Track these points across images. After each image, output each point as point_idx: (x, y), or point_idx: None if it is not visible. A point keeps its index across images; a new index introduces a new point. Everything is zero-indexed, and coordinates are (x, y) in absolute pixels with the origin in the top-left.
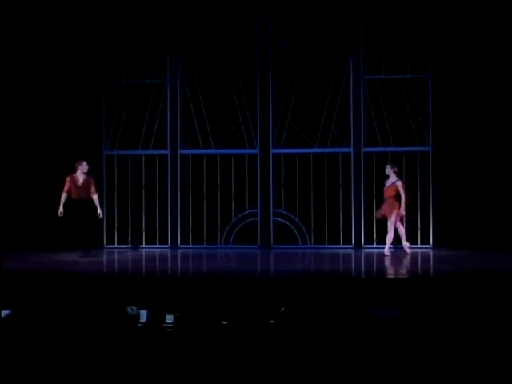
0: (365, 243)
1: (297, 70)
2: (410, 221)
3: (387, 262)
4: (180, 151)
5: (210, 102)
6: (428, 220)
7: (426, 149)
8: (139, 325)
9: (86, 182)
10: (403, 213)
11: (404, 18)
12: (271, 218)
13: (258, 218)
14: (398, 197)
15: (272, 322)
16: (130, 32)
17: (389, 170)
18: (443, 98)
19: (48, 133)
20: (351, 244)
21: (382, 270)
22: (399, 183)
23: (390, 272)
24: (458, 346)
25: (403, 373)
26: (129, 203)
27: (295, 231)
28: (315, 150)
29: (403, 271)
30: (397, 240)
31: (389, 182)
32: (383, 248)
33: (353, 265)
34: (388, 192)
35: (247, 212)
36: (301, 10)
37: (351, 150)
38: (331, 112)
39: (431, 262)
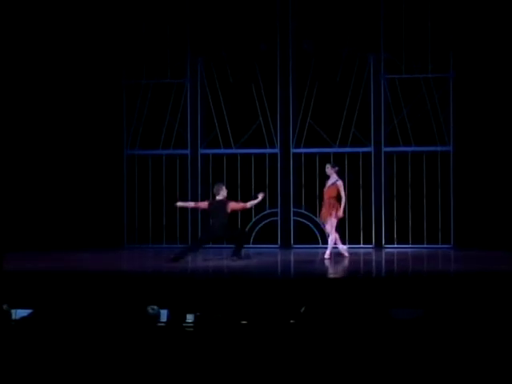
0: (385, 243)
1: (317, 70)
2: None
3: (408, 261)
4: (200, 151)
5: (231, 101)
6: (449, 220)
7: (446, 148)
8: (160, 324)
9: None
10: (341, 214)
11: (425, 17)
12: (291, 218)
13: (279, 218)
14: (338, 198)
15: (292, 321)
16: (150, 32)
17: (329, 169)
18: (464, 97)
19: (69, 133)
20: (372, 244)
21: (404, 270)
22: (339, 183)
23: (409, 271)
24: (478, 347)
25: (424, 373)
26: (149, 203)
27: (315, 231)
28: (336, 149)
29: (423, 271)
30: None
31: (329, 183)
32: (404, 248)
33: (373, 264)
34: (328, 192)
35: (267, 212)
36: (321, 9)
37: (372, 149)
38: (352, 111)
39: (452, 262)
